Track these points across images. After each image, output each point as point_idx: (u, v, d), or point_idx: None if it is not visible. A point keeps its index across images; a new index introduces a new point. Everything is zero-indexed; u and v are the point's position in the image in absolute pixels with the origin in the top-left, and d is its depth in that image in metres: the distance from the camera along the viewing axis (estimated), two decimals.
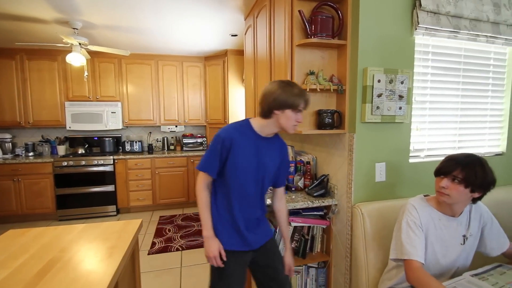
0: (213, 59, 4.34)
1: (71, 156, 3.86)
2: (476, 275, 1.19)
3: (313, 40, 1.59)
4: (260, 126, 1.31)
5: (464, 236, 1.26)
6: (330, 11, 1.66)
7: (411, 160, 1.75)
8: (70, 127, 4.00)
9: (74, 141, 4.26)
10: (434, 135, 1.84)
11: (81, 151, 4.17)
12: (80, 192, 3.84)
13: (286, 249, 1.48)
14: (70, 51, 3.08)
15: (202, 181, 1.32)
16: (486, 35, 1.76)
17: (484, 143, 1.99)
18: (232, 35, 3.43)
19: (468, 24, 1.69)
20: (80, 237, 1.26)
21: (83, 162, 3.82)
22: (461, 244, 1.26)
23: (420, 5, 1.57)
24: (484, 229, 1.30)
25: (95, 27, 3.08)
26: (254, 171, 1.31)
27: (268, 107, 1.25)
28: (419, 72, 1.73)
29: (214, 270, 1.33)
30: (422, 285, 1.10)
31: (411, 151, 1.75)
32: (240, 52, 4.03)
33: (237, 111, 4.16)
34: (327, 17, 1.61)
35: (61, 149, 4.16)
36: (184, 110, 4.48)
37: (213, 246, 1.27)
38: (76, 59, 3.02)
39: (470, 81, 1.88)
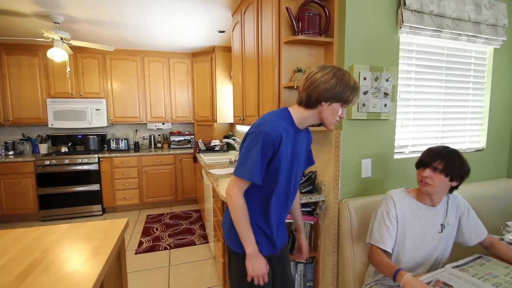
0: (200, 55, 4.29)
1: (54, 155, 3.75)
2: (457, 266, 1.23)
3: (301, 37, 1.60)
4: (301, 117, 1.15)
5: (442, 225, 1.33)
6: (317, 9, 1.67)
7: (396, 156, 1.79)
8: (52, 125, 3.88)
9: (56, 139, 4.13)
10: (417, 132, 1.89)
11: (64, 149, 4.05)
12: (64, 191, 3.74)
13: (301, 232, 1.41)
14: (51, 46, 2.98)
15: (240, 190, 1.12)
16: (467, 34, 1.81)
17: (465, 139, 2.06)
18: (219, 32, 3.40)
19: (451, 23, 1.74)
20: (63, 238, 1.22)
21: (67, 161, 3.72)
22: (439, 232, 1.32)
23: (405, 4, 1.59)
24: (461, 218, 1.36)
25: (77, 21, 2.99)
26: (289, 171, 1.19)
27: (317, 96, 1.08)
28: (403, 70, 1.77)
29: (244, 281, 1.18)
30: (378, 262, 1.27)
31: (396, 147, 1.79)
32: (228, 49, 4.01)
33: (225, 108, 4.14)
34: (314, 14, 1.61)
35: (43, 148, 4.03)
36: (171, 107, 4.42)
37: (261, 264, 1.14)
38: (58, 54, 2.92)
39: (452, 79, 1.94)
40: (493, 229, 1.75)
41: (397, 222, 1.31)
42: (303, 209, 1.84)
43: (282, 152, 1.11)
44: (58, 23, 2.90)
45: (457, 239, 1.38)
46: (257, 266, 1.12)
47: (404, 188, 1.42)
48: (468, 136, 2.07)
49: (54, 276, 0.93)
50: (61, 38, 2.94)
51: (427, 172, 1.26)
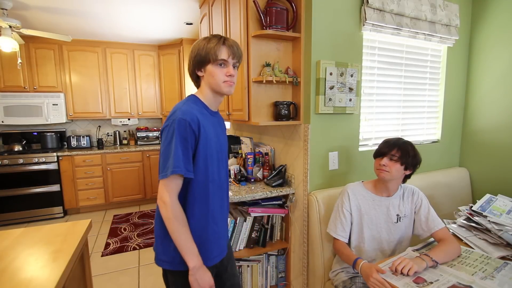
0: (167, 48, 4.15)
1: (6, 154, 3.44)
2: (417, 250, 1.32)
3: (269, 31, 1.60)
4: (206, 97, 1.11)
5: (398, 215, 1.41)
6: (285, 3, 1.67)
7: (360, 149, 1.87)
8: (2, 122, 3.55)
9: (9, 137, 3.79)
10: (380, 125, 1.99)
11: (18, 148, 3.73)
12: (19, 193, 3.46)
13: None
14: None
15: (173, 193, 0.98)
16: (424, 33, 1.92)
17: (422, 132, 2.20)
18: (187, 24, 3.31)
19: (409, 22, 1.84)
20: (18, 243, 1.13)
21: (21, 161, 3.43)
22: (395, 222, 1.41)
23: (368, 2, 1.65)
24: (415, 211, 1.44)
25: (28, 8, 2.74)
26: (219, 155, 1.12)
27: (191, 70, 1.10)
28: (367, 66, 1.84)
29: None
30: (340, 253, 1.40)
31: (360, 140, 1.87)
32: None
33: None
34: (281, 9, 1.62)
35: None
36: (137, 102, 4.24)
37: (207, 277, 1.01)
38: (7, 44, 2.66)
39: (411, 75, 2.05)
40: (447, 214, 1.91)
41: (351, 215, 1.41)
42: (274, 202, 1.87)
43: (206, 135, 1.04)
44: (6, 10, 2.64)
45: (414, 231, 1.45)
46: (203, 280, 1.00)
47: (361, 181, 1.51)
48: (425, 128, 2.21)
49: (8, 285, 0.86)
50: (10, 26, 2.68)
51: (385, 160, 1.35)
